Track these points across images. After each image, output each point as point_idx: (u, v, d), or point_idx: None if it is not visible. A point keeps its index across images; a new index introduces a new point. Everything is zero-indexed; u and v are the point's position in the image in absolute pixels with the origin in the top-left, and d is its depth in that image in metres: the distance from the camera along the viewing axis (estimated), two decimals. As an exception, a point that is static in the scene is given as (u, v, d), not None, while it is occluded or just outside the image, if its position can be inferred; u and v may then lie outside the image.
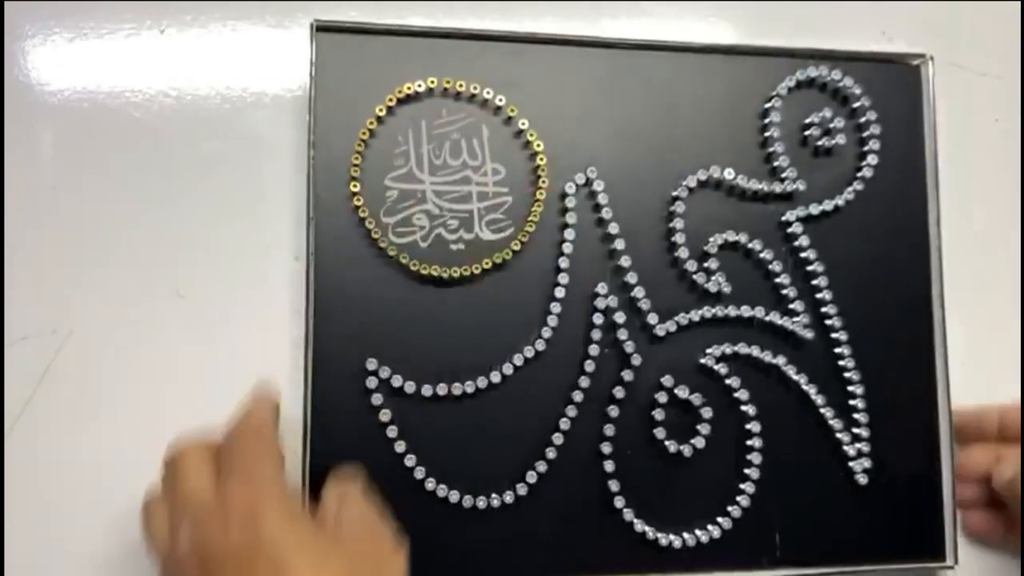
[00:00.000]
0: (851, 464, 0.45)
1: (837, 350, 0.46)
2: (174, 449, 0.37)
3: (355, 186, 0.42)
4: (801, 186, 0.46)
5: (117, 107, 0.43)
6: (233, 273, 0.42)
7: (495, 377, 0.42)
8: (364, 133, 0.42)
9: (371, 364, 0.41)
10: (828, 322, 0.46)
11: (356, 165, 0.42)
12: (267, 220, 0.43)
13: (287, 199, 0.43)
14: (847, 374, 0.46)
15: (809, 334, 0.45)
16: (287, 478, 0.36)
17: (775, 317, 0.45)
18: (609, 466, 0.43)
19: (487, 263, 0.43)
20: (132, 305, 0.42)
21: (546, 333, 0.43)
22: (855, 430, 0.45)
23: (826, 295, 0.46)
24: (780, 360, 0.45)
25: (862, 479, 0.45)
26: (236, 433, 0.36)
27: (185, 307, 0.42)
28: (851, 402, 0.46)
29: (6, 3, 0.42)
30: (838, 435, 0.45)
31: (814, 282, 0.46)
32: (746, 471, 0.44)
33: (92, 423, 0.41)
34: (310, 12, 0.43)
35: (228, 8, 0.44)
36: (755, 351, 0.45)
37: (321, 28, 0.42)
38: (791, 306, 0.46)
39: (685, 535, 0.43)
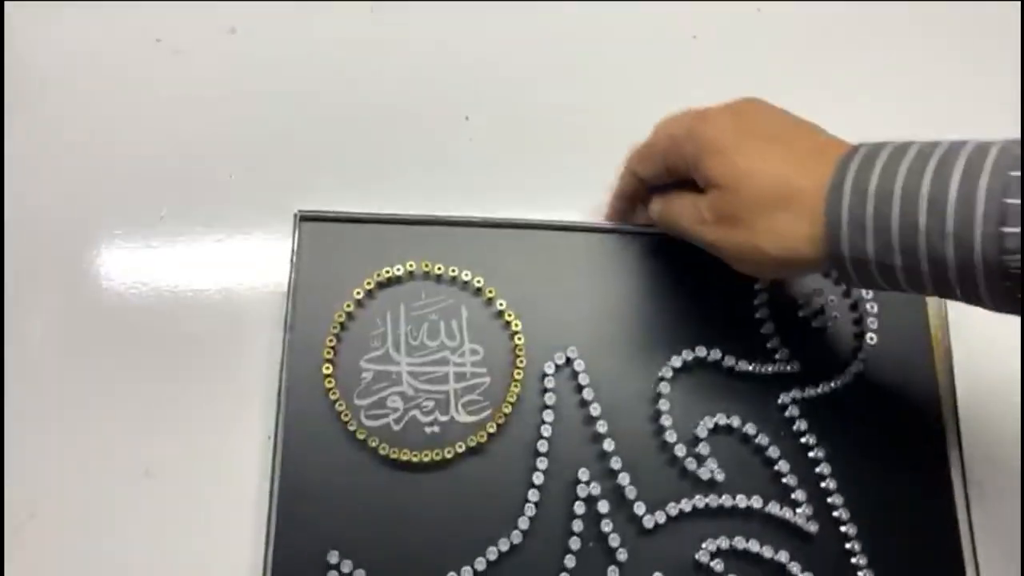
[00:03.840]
0: None
1: (847, 545, 0.42)
2: None
3: (328, 368, 0.42)
4: (795, 367, 0.44)
5: (102, 286, 0.44)
6: (203, 454, 0.42)
7: (467, 574, 0.39)
8: (340, 316, 0.42)
9: (333, 558, 0.39)
10: (835, 513, 0.42)
11: (331, 347, 0.42)
12: (240, 402, 0.43)
13: (262, 382, 0.43)
14: (861, 573, 0.41)
15: (813, 527, 0.42)
16: None
17: (774, 508, 0.42)
18: None
19: (461, 446, 0.41)
20: (100, 484, 0.41)
21: (523, 524, 0.40)
22: (876, 638, 0.40)
23: (830, 484, 0.42)
24: (783, 556, 0.41)
25: None
26: None
27: (153, 487, 0.41)
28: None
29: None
30: (856, 645, 0.40)
31: (817, 469, 0.43)
32: None
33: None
34: (295, 203, 0.44)
35: (218, 196, 0.46)
36: (754, 546, 0.41)
37: (305, 218, 0.44)
38: (793, 495, 0.42)
39: None
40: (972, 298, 0.33)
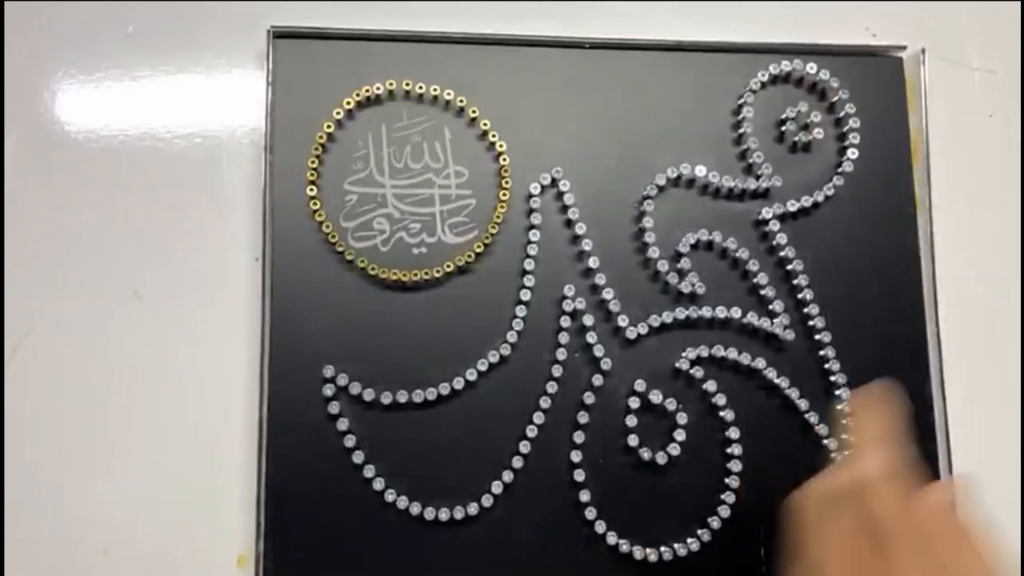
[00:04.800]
0: (840, 472, 0.43)
1: (821, 352, 0.44)
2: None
3: (312, 190, 0.41)
4: (777, 182, 0.44)
5: (78, 111, 0.43)
6: (191, 275, 0.42)
7: (458, 383, 0.41)
8: (322, 137, 0.42)
9: (328, 371, 0.40)
10: (810, 323, 0.44)
11: (314, 169, 0.41)
12: (226, 222, 0.42)
13: (246, 202, 0.42)
14: (833, 377, 0.43)
15: (790, 335, 0.43)
16: None
17: (753, 318, 0.43)
18: (580, 475, 0.41)
19: (449, 266, 0.42)
20: (90, 307, 0.41)
21: (512, 337, 0.42)
22: (844, 436, 0.43)
23: (807, 295, 0.44)
24: (760, 363, 0.43)
25: (853, 488, 0.43)
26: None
27: (143, 308, 0.41)
28: (839, 407, 0.43)
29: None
30: (825, 441, 0.43)
31: (794, 281, 0.44)
32: (726, 480, 0.42)
33: (48, 426, 0.40)
34: (269, 18, 0.43)
35: (186, 13, 0.44)
36: (732, 354, 0.43)
37: (279, 35, 0.42)
38: (770, 307, 0.44)
39: (662, 548, 0.41)
40: None
